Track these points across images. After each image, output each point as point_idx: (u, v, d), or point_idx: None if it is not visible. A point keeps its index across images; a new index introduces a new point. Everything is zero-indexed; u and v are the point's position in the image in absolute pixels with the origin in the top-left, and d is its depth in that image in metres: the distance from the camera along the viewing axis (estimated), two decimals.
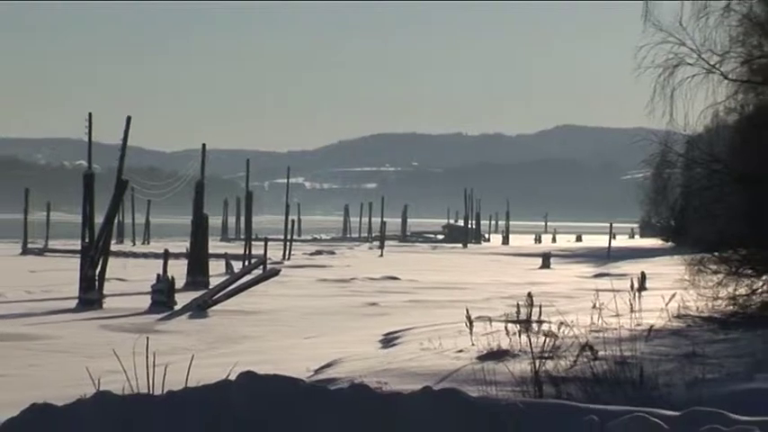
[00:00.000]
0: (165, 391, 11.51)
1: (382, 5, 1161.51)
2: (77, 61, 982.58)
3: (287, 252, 77.14)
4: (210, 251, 53.39)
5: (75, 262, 42.24)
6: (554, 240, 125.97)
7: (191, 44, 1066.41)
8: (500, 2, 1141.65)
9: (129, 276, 48.09)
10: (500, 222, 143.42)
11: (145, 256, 68.64)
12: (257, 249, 65.73)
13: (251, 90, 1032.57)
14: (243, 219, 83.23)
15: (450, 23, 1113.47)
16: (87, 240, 40.80)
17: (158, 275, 39.18)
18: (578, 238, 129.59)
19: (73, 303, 37.09)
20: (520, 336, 18.83)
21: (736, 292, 25.43)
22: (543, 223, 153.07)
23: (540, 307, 22.05)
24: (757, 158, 25.58)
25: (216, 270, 50.50)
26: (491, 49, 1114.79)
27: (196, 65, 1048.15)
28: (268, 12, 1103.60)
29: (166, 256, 45.87)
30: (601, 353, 16.62)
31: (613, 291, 25.53)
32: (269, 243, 65.04)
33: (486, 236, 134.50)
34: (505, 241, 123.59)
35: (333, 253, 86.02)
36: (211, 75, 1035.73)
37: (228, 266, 54.32)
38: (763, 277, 25.95)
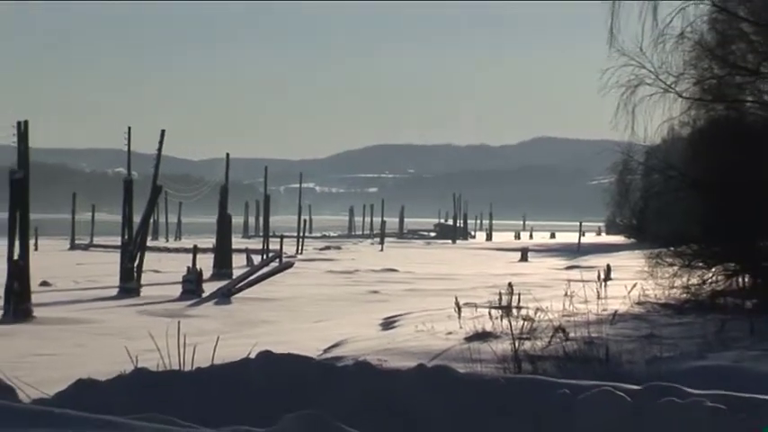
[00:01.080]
0: (194, 368, 11.54)
1: (381, 31, 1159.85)
2: (116, 78, 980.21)
3: (299, 247, 77.02)
4: (233, 246, 53.33)
5: (116, 256, 42.23)
6: (531, 237, 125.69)
7: (215, 63, 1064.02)
8: (484, 28, 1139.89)
9: (163, 268, 48.05)
10: (484, 221, 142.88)
11: (176, 250, 68.56)
12: (274, 245, 65.71)
13: (268, 105, 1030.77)
14: (261, 218, 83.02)
15: (442, 46, 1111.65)
16: (126, 237, 40.85)
17: (188, 267, 39.22)
18: (552, 235, 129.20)
19: (114, 292, 37.10)
20: (501, 320, 18.89)
21: (689, 282, 25.44)
22: (522, 222, 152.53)
23: (519, 295, 22.13)
24: (707, 167, 25.62)
25: (238, 263, 50.48)
26: (477, 68, 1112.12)
27: (219, 82, 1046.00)
28: (282, 36, 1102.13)
29: (195, 250, 45.83)
30: (572, 334, 16.66)
31: (582, 281, 25.54)
32: (284, 239, 65.15)
33: (473, 233, 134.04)
34: (489, 238, 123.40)
35: (339, 248, 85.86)
36: (233, 91, 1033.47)
37: (249, 260, 54.25)
38: (713, 269, 25.96)
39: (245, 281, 38.63)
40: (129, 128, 47.49)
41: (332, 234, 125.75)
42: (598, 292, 24.78)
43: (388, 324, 24.38)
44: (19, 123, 32.95)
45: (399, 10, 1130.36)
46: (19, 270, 30.40)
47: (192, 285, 36.91)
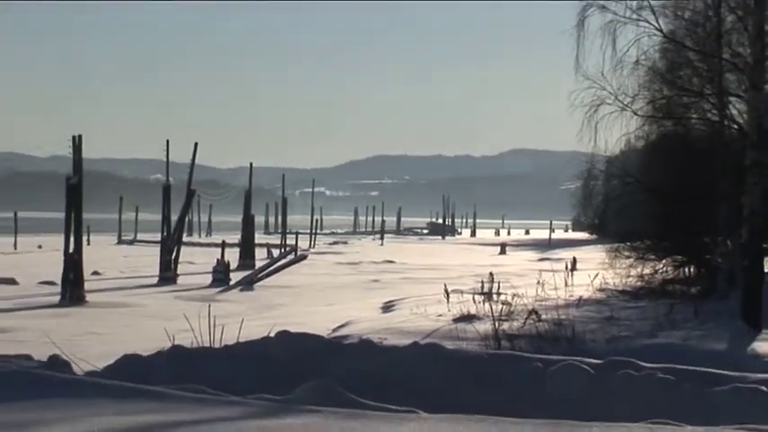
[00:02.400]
0: (222, 345, 11.56)
1: (380, 59, 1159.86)
2: (154, 98, 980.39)
3: (312, 242, 76.95)
4: (256, 241, 53.27)
5: (156, 249, 42.20)
6: (509, 233, 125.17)
7: (241, 85, 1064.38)
8: (471, 58, 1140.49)
9: (196, 260, 47.99)
10: (469, 220, 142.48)
11: (207, 245, 68.28)
12: (290, 240, 65.59)
13: (285, 121, 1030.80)
14: (279, 217, 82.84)
15: (435, 72, 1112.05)
16: (165, 234, 40.81)
17: (217, 259, 39.17)
18: (527, 232, 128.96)
19: (154, 280, 37.08)
20: (483, 304, 18.86)
21: (643, 272, 25.42)
22: (501, 221, 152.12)
23: (499, 283, 22.15)
24: (659, 174, 25.62)
25: (260, 255, 50.43)
26: (463, 90, 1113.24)
27: (244, 102, 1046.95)
28: (298, 66, 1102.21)
29: (223, 245, 45.78)
30: (543, 317, 16.63)
31: (552, 271, 25.49)
32: (299, 236, 64.86)
33: (459, 230, 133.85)
34: (473, 234, 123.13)
35: (346, 243, 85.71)
36: (255, 109, 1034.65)
37: (269, 253, 54.12)
38: (663, 261, 25.95)
39: (266, 271, 38.62)
40: (168, 141, 47.45)
41: (339, 231, 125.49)
42: (566, 280, 24.74)
43: (387, 308, 24.34)
44: (74, 137, 33.04)
45: (399, 44, 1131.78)
46: (74, 262, 30.45)
47: (220, 275, 36.88)
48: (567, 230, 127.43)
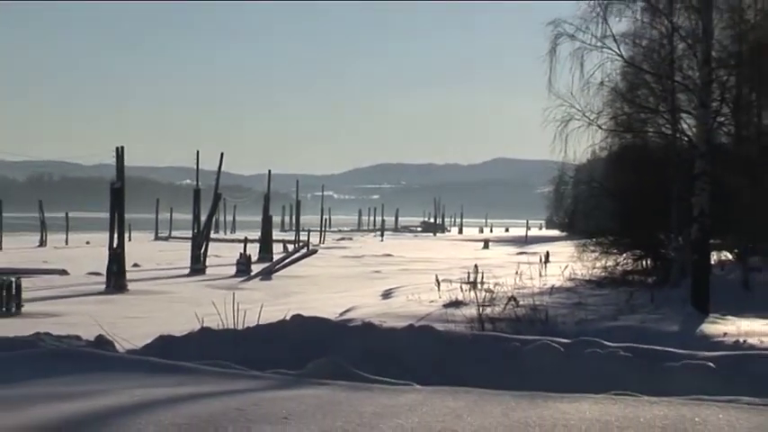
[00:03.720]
0: (244, 327, 11.58)
1: (381, 75, 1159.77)
2: (184, 110, 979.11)
3: (322, 238, 77.04)
4: (273, 238, 53.30)
5: (188, 245, 42.27)
6: (491, 231, 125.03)
7: (260, 104, 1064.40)
8: (459, 79, 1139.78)
9: (222, 254, 48.02)
10: (457, 220, 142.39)
11: (232, 241, 68.26)
12: (303, 237, 65.67)
13: (299, 133, 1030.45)
14: (294, 217, 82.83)
15: (428, 91, 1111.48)
16: (195, 231, 40.87)
17: (240, 253, 39.21)
18: (506, 230, 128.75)
19: (186, 271, 37.13)
20: (469, 291, 18.92)
21: (607, 264, 25.44)
22: (484, 220, 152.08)
23: (482, 273, 22.21)
24: (620, 180, 25.65)
25: (277, 250, 50.46)
26: (452, 106, 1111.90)
27: (262, 115, 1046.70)
28: (311, 85, 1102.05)
29: (245, 241, 45.86)
30: (521, 302, 16.67)
31: (529, 263, 25.57)
32: (310, 233, 64.99)
33: (448, 228, 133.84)
34: (460, 232, 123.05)
35: (351, 239, 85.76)
36: (272, 123, 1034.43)
37: (285, 248, 54.16)
38: (624, 255, 25.99)
39: (282, 263, 38.66)
40: (198, 151, 47.66)
41: (345, 229, 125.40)
42: (540, 271, 24.85)
43: (386, 295, 24.38)
44: (117, 148, 33.18)
45: (397, 67, 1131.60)
46: (117, 255, 30.48)
47: (243, 266, 36.92)
48: (541, 228, 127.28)
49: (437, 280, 20.26)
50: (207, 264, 38.92)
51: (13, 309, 21.91)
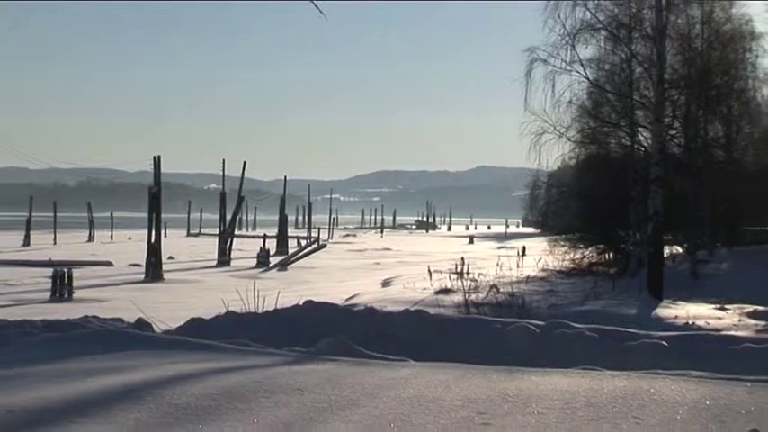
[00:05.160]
0: (263, 311, 11.57)
1: (381, 93, 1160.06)
2: (213, 123, 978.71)
3: (330, 235, 76.92)
4: (288, 234, 53.26)
5: (215, 240, 42.30)
6: (475, 228, 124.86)
7: (278, 121, 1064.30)
8: (449, 98, 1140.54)
9: (244, 248, 47.95)
10: (446, 219, 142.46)
11: (253, 237, 68.16)
12: (314, 233, 65.62)
13: (311, 144, 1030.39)
14: (306, 216, 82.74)
15: (423, 108, 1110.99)
16: (222, 228, 40.88)
17: (260, 247, 39.21)
18: (489, 227, 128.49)
19: (213, 263, 37.11)
20: (457, 280, 18.91)
21: (574, 257, 25.41)
22: (470, 219, 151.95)
23: (468, 265, 22.18)
24: (586, 185, 25.62)
25: (291, 244, 50.41)
26: (443, 121, 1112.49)
27: (279, 128, 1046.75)
28: (326, 101, 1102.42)
29: (264, 237, 45.80)
30: (501, 290, 16.65)
31: (508, 256, 25.53)
32: (320, 230, 64.81)
33: (439, 226, 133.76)
34: (449, 229, 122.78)
35: (355, 236, 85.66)
36: (288, 134, 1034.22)
37: (298, 243, 54.07)
38: (589, 249, 25.97)
39: (296, 256, 38.63)
40: (224, 160, 47.67)
41: (350, 227, 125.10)
42: (517, 263, 24.82)
43: (385, 283, 24.36)
44: (154, 157, 33.13)
45: (396, 86, 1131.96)
46: (154, 249, 30.44)
47: (262, 259, 36.88)
48: (518, 226, 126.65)
49: (429, 270, 20.25)
50: (231, 256, 38.87)
51: (66, 295, 21.91)
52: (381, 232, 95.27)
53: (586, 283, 19.50)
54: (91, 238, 63.20)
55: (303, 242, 52.38)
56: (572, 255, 25.61)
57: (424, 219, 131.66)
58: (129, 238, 61.25)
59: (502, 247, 50.46)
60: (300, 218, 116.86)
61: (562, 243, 26.29)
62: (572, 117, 23.01)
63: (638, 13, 20.81)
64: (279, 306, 11.52)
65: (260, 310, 11.60)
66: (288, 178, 60.95)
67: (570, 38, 20.81)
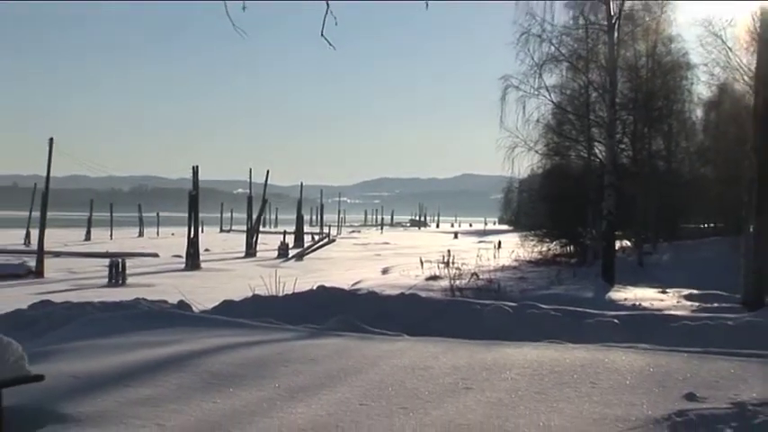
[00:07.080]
0: (283, 294, 11.55)
1: (382, 109, 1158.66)
2: (241, 137, 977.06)
3: (338, 231, 76.85)
4: (304, 231, 53.26)
5: (243, 236, 42.24)
6: (459, 226, 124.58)
7: (293, 133, 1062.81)
8: (441, 112, 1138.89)
9: (267, 242, 47.87)
10: (435, 218, 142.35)
11: (274, 233, 68.06)
12: (325, 230, 65.58)
13: (323, 154, 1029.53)
14: (318, 216, 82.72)
15: (418, 123, 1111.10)
16: (248, 226, 40.84)
17: (281, 242, 39.19)
18: (470, 225, 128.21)
19: (242, 254, 37.07)
20: (444, 269, 18.88)
21: (542, 249, 25.46)
22: (455, 218, 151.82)
23: (453, 256, 22.14)
24: (551, 190, 25.62)
25: (306, 239, 50.34)
26: (433, 133, 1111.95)
27: (297, 141, 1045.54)
28: (334, 112, 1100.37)
29: (284, 233, 45.81)
30: (481, 277, 16.67)
31: (486, 249, 25.49)
32: (330, 227, 64.81)
33: (429, 224, 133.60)
34: (437, 226, 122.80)
35: (359, 232, 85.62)
36: (304, 147, 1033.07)
37: (312, 238, 53.96)
38: (554, 242, 26.00)
39: (310, 249, 38.60)
40: (251, 168, 47.78)
41: (355, 225, 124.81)
42: (494, 254, 24.78)
43: (384, 271, 24.37)
44: (193, 166, 33.07)
45: (396, 102, 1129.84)
46: (193, 243, 30.39)
47: (282, 251, 36.90)
48: (495, 224, 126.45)
49: (421, 261, 20.25)
50: (257, 249, 38.84)
51: (120, 281, 21.90)
52: (381, 229, 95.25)
53: (551, 272, 19.53)
54: (141, 234, 63.20)
55: (316, 237, 52.41)
56: (540, 248, 25.63)
57: (417, 218, 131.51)
58: (173, 234, 61.20)
59: (481, 242, 50.43)
60: (314, 217, 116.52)
61: (531, 238, 26.33)
62: (539, 133, 23.05)
63: (594, 48, 20.85)
64: (296, 290, 11.51)
65: (280, 294, 11.59)
66: (303, 184, 61.07)
67: (538, 68, 20.82)
